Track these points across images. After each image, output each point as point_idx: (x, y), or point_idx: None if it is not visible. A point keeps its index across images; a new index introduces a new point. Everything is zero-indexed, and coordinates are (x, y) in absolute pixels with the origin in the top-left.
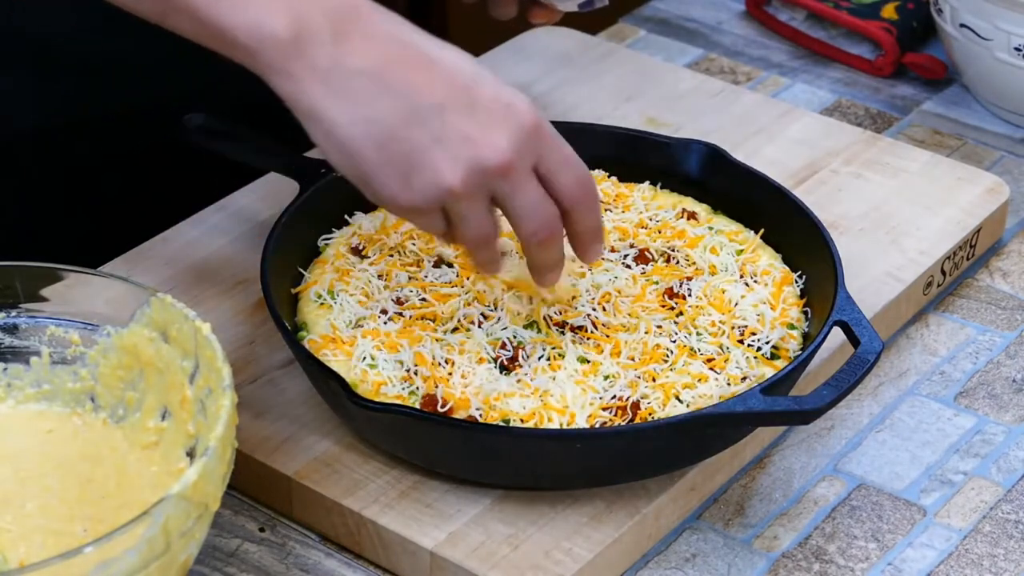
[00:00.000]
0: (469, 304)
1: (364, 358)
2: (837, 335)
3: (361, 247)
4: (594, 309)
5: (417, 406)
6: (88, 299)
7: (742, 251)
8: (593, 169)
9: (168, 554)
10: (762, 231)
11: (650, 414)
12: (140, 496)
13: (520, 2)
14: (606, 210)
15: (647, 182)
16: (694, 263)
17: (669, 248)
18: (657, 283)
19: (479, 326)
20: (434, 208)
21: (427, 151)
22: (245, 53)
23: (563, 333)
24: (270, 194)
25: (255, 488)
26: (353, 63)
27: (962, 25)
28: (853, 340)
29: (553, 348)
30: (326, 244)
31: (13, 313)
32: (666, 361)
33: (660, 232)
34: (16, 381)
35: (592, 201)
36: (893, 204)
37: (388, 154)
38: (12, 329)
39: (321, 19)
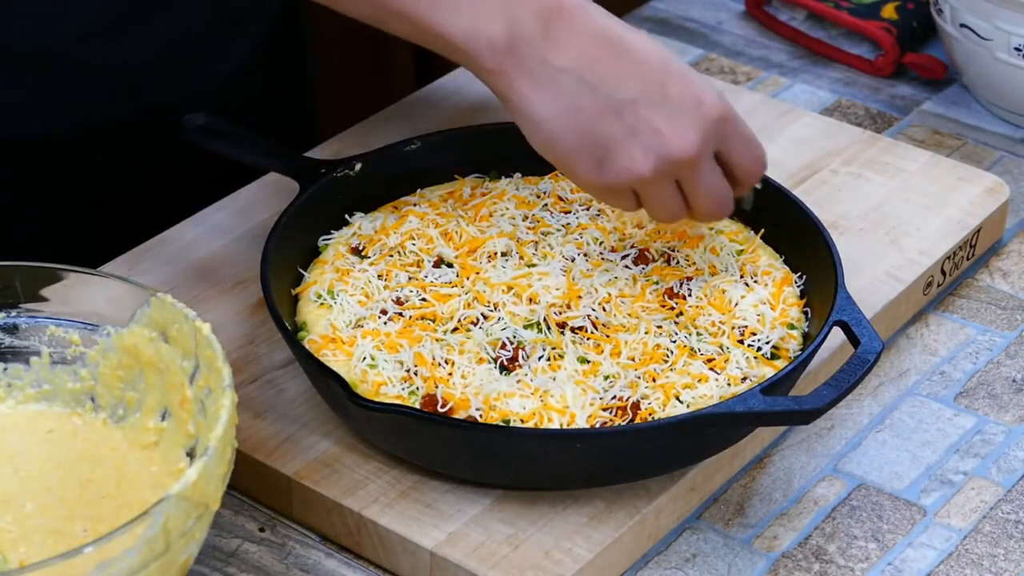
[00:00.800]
0: (469, 304)
1: (364, 358)
2: (837, 335)
3: (361, 247)
4: (594, 309)
5: (417, 406)
6: (88, 299)
7: (742, 251)
8: None
9: (168, 554)
10: (762, 231)
11: (650, 414)
12: (140, 496)
13: None
14: (602, 210)
15: None
16: (694, 263)
17: (669, 248)
18: (657, 283)
19: (479, 326)
20: (626, 191)
21: (622, 142)
22: (463, 56)
23: (563, 333)
24: (270, 194)
25: (255, 488)
26: (559, 61)
27: (962, 25)
28: (853, 340)
29: (553, 348)
30: (326, 244)
31: (13, 313)
32: (666, 361)
33: (660, 232)
34: (16, 381)
35: (762, 172)
36: (893, 204)
37: (587, 142)
38: (12, 329)
39: (533, 20)
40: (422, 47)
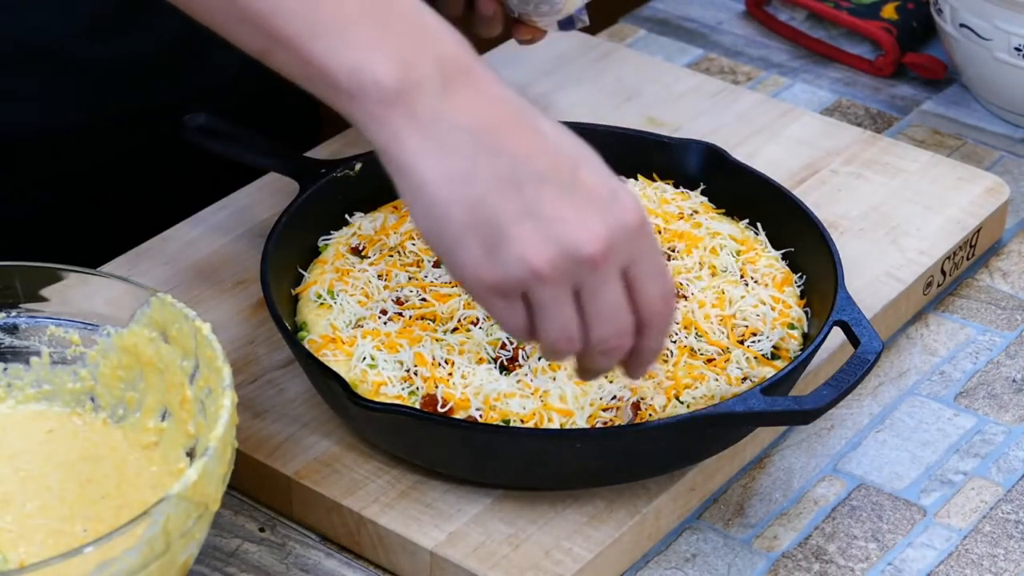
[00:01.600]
0: (469, 304)
1: (364, 358)
2: (837, 335)
3: (361, 247)
4: None
5: (417, 406)
6: (88, 299)
7: (742, 251)
8: None
9: (168, 554)
10: (762, 231)
11: (650, 414)
12: (140, 496)
13: (504, 21)
14: None
15: (638, 176)
16: (694, 263)
17: (669, 248)
18: None
19: (479, 326)
20: (515, 290)
21: (518, 222)
22: (345, 98)
23: None
24: (270, 194)
25: (255, 488)
26: (458, 119)
27: (962, 25)
28: (853, 340)
29: None
30: (326, 244)
31: (13, 313)
32: (666, 361)
33: (660, 232)
34: (16, 381)
35: (668, 322)
36: (893, 204)
37: (477, 219)
38: (12, 329)
39: (431, 68)
40: None
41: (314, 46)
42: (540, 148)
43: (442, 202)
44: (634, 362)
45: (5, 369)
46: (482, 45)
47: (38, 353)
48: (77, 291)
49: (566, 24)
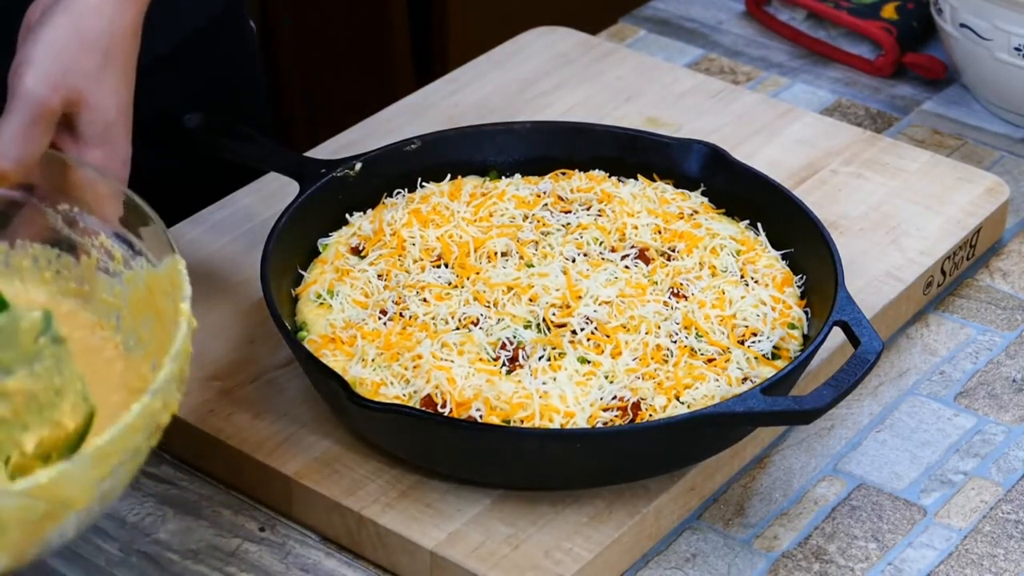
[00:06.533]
0: (469, 304)
1: (364, 358)
2: (837, 335)
3: (361, 247)
4: (596, 310)
5: (417, 406)
6: (135, 226)
7: (742, 251)
8: (593, 169)
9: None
10: (763, 231)
11: (650, 414)
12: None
13: None
14: (603, 212)
15: (638, 176)
16: (694, 263)
17: (669, 248)
18: (657, 283)
19: (479, 326)
20: None
21: None
22: None
23: (563, 333)
24: (270, 194)
25: (255, 488)
26: None
27: (962, 25)
28: (853, 340)
29: (553, 348)
30: (326, 244)
31: (76, 209)
32: (666, 361)
33: (660, 232)
34: (64, 271)
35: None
36: (893, 204)
37: None
38: (72, 222)
39: None
40: (422, 46)
41: None
42: None
43: None
44: None
45: (59, 256)
46: (481, 45)
47: (88, 254)
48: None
49: None
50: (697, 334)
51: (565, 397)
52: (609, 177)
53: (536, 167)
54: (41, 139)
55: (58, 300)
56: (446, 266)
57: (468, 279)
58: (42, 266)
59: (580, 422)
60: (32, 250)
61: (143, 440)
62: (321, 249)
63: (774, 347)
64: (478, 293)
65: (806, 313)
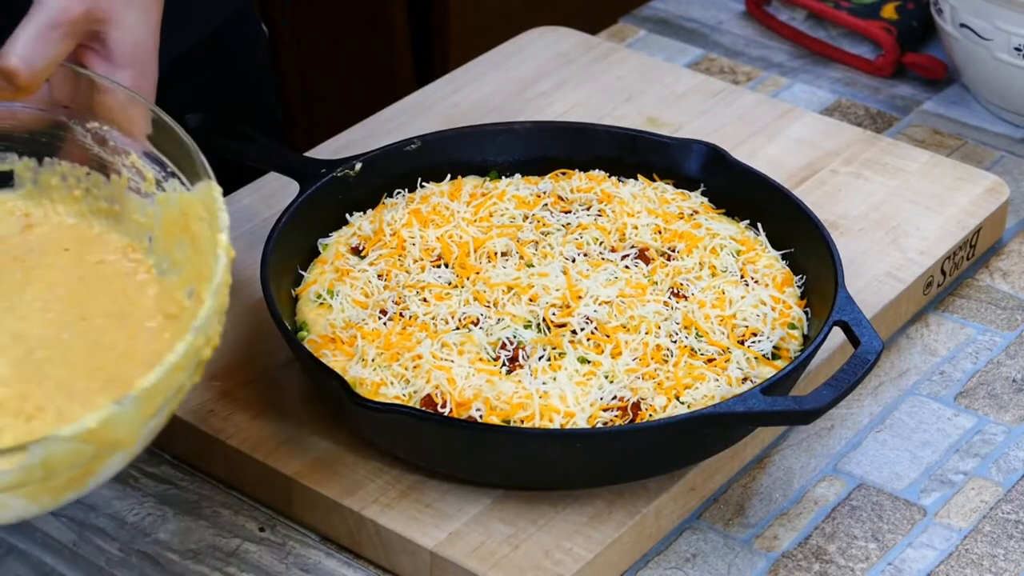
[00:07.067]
0: (469, 304)
1: (364, 358)
2: (837, 335)
3: (361, 247)
4: (595, 310)
5: (417, 406)
6: (170, 151)
7: (742, 251)
8: (593, 169)
9: (52, 480)
10: (763, 231)
11: (650, 414)
12: (134, 371)
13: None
14: (603, 212)
15: (638, 176)
16: (694, 263)
17: (669, 248)
18: (657, 283)
19: (479, 326)
20: None
21: None
22: None
23: (563, 333)
24: (270, 194)
25: (255, 488)
26: None
27: (962, 25)
28: (853, 340)
29: (553, 348)
30: (326, 244)
31: (106, 127)
32: (666, 361)
33: (660, 232)
34: (95, 189)
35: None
36: (893, 204)
37: None
38: (102, 141)
39: None
40: (422, 46)
41: None
42: None
43: None
44: None
45: (88, 174)
46: (481, 45)
47: (119, 173)
48: (162, 136)
49: None
50: (697, 334)
51: (565, 397)
52: (609, 177)
53: (536, 167)
54: (58, 45)
55: (88, 220)
56: (446, 266)
57: (468, 279)
58: (71, 184)
59: (580, 422)
60: (61, 167)
61: (186, 378)
62: (321, 249)
63: (774, 347)
64: (478, 293)
65: (806, 313)
